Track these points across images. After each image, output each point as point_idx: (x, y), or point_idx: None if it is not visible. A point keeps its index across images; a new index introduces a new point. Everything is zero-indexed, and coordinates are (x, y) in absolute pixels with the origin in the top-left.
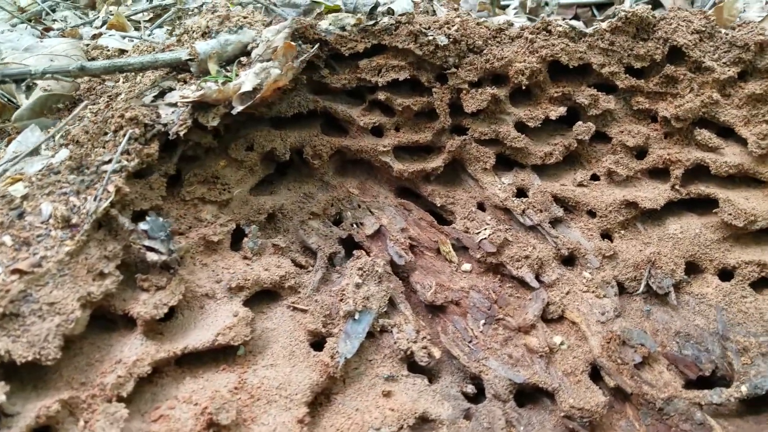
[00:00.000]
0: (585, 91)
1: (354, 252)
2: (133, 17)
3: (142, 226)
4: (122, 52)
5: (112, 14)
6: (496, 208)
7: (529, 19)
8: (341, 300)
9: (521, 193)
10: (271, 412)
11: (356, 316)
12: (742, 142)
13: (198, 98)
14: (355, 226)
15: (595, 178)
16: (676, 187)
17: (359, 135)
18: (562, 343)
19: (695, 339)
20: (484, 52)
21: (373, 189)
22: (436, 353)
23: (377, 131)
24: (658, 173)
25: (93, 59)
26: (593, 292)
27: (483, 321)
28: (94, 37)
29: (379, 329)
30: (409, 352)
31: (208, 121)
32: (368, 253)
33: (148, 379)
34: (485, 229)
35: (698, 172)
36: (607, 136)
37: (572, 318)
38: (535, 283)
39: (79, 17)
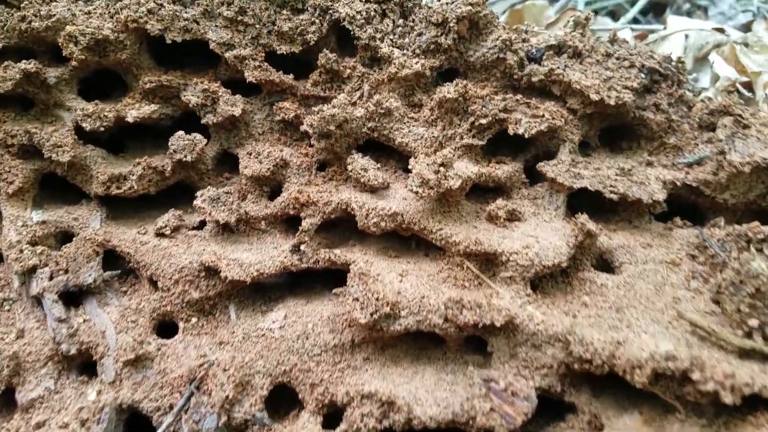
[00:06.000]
0: (198, 85)
1: None
2: None
3: None
4: None
5: None
6: None
7: None
8: None
9: (68, 238)
10: None
11: None
12: None
13: None
14: None
15: (204, 224)
16: (302, 247)
17: None
18: None
19: None
20: (24, 5)
21: None
22: None
23: None
24: (297, 224)
25: None
26: None
27: None
28: None
29: None
30: None
31: None
32: None
33: None
34: None
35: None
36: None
37: None
38: None
39: None
